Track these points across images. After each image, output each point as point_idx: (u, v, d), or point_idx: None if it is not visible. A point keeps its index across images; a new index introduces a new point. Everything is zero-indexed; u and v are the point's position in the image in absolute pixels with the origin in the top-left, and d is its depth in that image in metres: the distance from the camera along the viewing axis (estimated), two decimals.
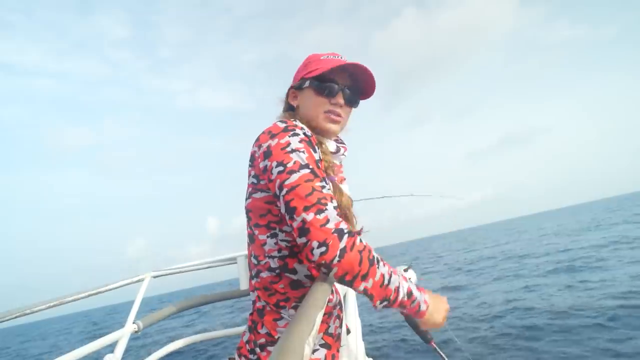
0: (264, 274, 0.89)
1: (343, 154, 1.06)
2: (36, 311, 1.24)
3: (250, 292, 0.95)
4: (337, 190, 0.91)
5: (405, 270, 1.05)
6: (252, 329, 0.90)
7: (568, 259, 11.21)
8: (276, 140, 0.82)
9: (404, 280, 0.78)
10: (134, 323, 1.70)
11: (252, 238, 0.92)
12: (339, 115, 0.99)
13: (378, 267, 0.73)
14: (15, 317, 1.15)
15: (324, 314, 0.92)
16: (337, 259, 0.68)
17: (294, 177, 0.75)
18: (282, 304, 0.88)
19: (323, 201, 0.73)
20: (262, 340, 0.87)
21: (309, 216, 0.70)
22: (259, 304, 0.90)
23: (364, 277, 0.71)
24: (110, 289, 1.72)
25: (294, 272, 0.87)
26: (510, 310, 6.74)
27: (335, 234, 0.69)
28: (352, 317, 1.43)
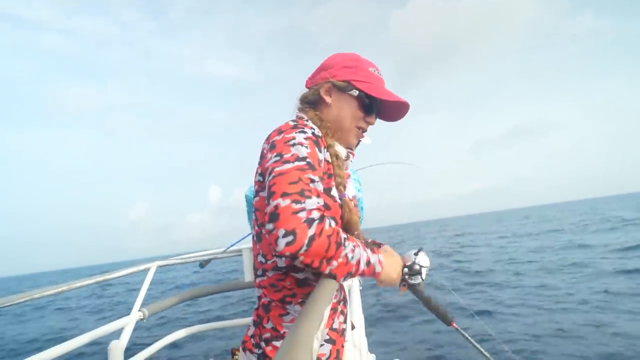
0: (270, 273, 0.88)
1: (350, 160, 1.05)
2: (45, 295, 1.27)
3: (256, 289, 0.95)
4: (346, 208, 0.88)
5: (416, 254, 1.04)
6: (258, 323, 0.90)
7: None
8: (282, 135, 0.82)
9: (363, 250, 0.78)
10: (139, 310, 1.72)
11: (259, 237, 0.91)
12: (365, 131, 1.02)
13: (344, 248, 0.72)
14: (25, 301, 1.17)
15: (330, 309, 0.91)
16: (304, 249, 0.65)
17: (286, 166, 0.73)
18: (288, 299, 0.87)
19: (306, 193, 0.69)
20: (268, 334, 0.87)
21: (284, 202, 0.67)
22: (264, 300, 0.90)
23: (329, 261, 0.70)
24: (117, 277, 1.74)
25: (301, 271, 0.87)
26: None
27: (305, 223, 0.66)
28: (356, 313, 1.43)
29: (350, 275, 0.75)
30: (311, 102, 1.01)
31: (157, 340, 1.90)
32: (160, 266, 2.08)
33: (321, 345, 0.89)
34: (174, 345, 2.03)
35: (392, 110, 1.04)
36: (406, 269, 1.00)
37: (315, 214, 0.68)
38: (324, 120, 0.97)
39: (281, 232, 0.65)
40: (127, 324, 1.61)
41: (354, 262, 0.74)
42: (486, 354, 1.11)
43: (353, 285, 1.72)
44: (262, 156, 0.87)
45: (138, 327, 1.69)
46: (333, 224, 0.72)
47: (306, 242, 0.65)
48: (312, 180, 0.73)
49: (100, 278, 1.62)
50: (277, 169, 0.74)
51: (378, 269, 0.81)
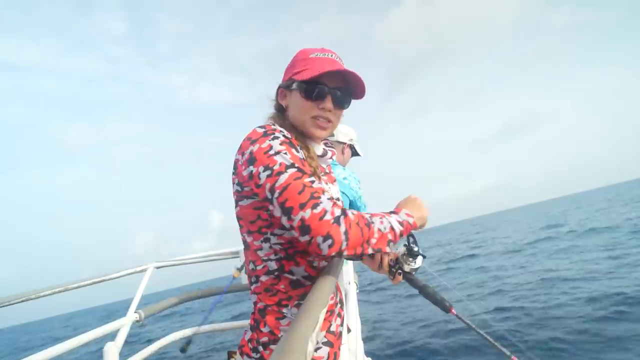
0: (263, 278, 0.89)
1: (330, 158, 1.04)
2: (41, 296, 1.27)
3: (251, 296, 0.95)
4: None
5: (408, 241, 1.06)
6: (255, 327, 0.90)
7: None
8: (257, 145, 0.82)
9: (389, 216, 0.84)
10: (135, 312, 1.72)
11: (246, 245, 0.92)
12: (328, 121, 0.96)
13: (374, 224, 0.78)
14: (22, 301, 1.17)
15: (327, 312, 0.93)
16: (344, 244, 0.72)
17: (283, 178, 0.76)
18: (284, 302, 0.88)
19: (316, 195, 0.74)
20: (265, 338, 0.87)
21: (307, 213, 0.72)
22: (260, 304, 0.91)
23: (368, 242, 0.76)
24: (114, 278, 1.74)
25: (292, 273, 0.89)
26: None
27: (335, 223, 0.72)
28: (352, 317, 1.44)
29: (392, 242, 0.81)
30: (280, 111, 1.02)
31: (153, 342, 1.90)
32: (157, 267, 2.08)
33: (319, 348, 0.90)
34: (170, 347, 2.03)
35: (354, 85, 0.97)
36: (404, 255, 1.01)
37: (337, 211, 0.74)
38: (288, 121, 0.98)
39: (319, 239, 0.71)
40: (123, 325, 1.61)
41: (387, 230, 0.80)
42: (489, 338, 1.09)
43: (350, 289, 1.72)
44: (237, 167, 0.87)
45: (134, 328, 1.69)
46: (355, 211, 0.78)
47: (344, 238, 0.72)
48: (313, 182, 0.77)
49: (97, 279, 1.62)
50: (277, 185, 0.76)
51: (411, 220, 0.87)
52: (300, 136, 0.96)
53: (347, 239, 0.72)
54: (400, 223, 0.84)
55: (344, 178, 1.93)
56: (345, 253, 0.73)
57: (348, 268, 1.88)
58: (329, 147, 1.08)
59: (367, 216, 0.79)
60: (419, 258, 1.03)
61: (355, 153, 2.22)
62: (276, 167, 0.77)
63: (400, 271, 1.03)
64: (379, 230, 0.79)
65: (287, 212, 0.74)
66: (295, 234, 0.74)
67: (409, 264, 1.02)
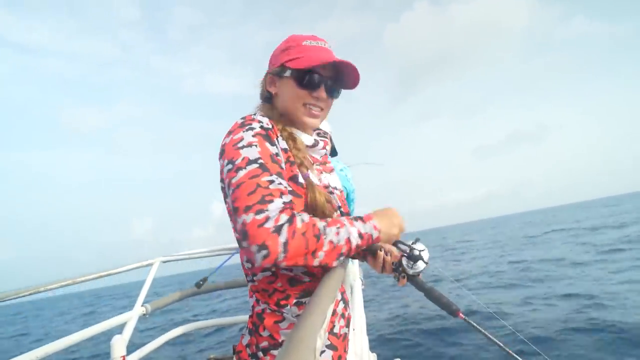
0: (259, 276, 0.86)
1: (323, 148, 1.01)
2: (50, 289, 1.28)
3: (249, 298, 0.92)
4: (310, 188, 0.86)
5: (413, 243, 1.02)
6: (253, 331, 0.86)
7: None
8: (230, 137, 0.78)
9: (351, 226, 0.74)
10: (142, 306, 1.74)
11: (239, 242, 0.89)
12: (320, 109, 0.94)
13: (325, 236, 0.69)
14: (31, 294, 1.19)
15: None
16: (281, 255, 0.64)
17: (240, 175, 0.70)
18: (282, 302, 0.84)
19: (267, 198, 0.67)
20: (265, 343, 0.84)
21: (248, 217, 0.64)
22: (258, 308, 0.87)
23: (314, 254, 0.67)
24: (121, 272, 1.75)
25: (289, 269, 0.84)
26: None
27: (275, 233, 0.63)
28: (357, 312, 1.43)
29: (344, 255, 0.73)
30: (267, 100, 1.00)
31: (159, 336, 1.92)
32: (164, 262, 2.09)
33: (322, 351, 0.86)
34: (176, 341, 2.05)
35: (347, 75, 0.95)
36: (405, 259, 0.98)
37: (283, 218, 0.66)
38: (276, 110, 0.95)
39: (254, 248, 0.63)
40: (130, 318, 1.63)
41: (342, 242, 0.72)
42: (499, 343, 1.06)
43: (355, 285, 1.72)
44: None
45: (140, 321, 1.71)
46: (306, 218, 0.69)
47: (281, 249, 0.63)
48: (271, 182, 0.70)
49: (104, 273, 1.64)
50: (233, 181, 0.71)
51: (375, 234, 0.79)
52: (289, 125, 0.93)
53: (285, 250, 0.63)
54: (361, 235, 0.75)
55: (340, 169, 1.88)
56: (283, 264, 0.65)
57: (354, 264, 1.88)
58: (322, 137, 1.05)
59: (321, 225, 0.70)
60: (420, 262, 1.00)
61: (333, 148, 2.10)
62: (238, 162, 0.73)
63: (404, 274, 1.00)
64: (331, 242, 0.70)
65: (235, 212, 0.67)
66: (237, 237, 0.68)
67: (410, 268, 0.99)
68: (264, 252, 0.63)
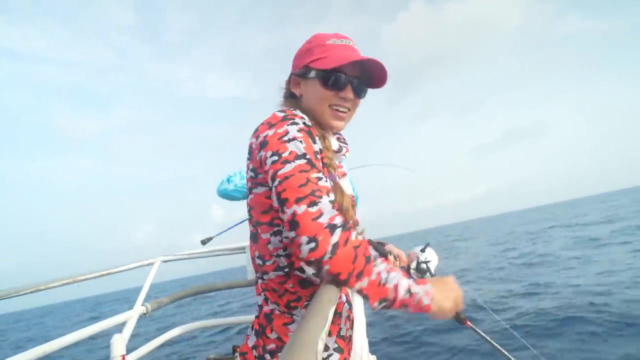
0: (271, 275, 0.83)
1: (344, 155, 0.99)
2: (50, 287, 1.28)
3: (257, 296, 0.89)
4: (338, 190, 0.84)
5: (422, 251, 1.00)
6: (260, 333, 0.84)
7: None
8: (274, 130, 0.76)
9: (404, 277, 0.69)
10: (142, 305, 1.73)
11: (255, 237, 0.85)
12: (347, 109, 0.92)
13: (375, 265, 0.67)
14: (31, 292, 1.19)
15: (336, 314, 0.87)
16: (328, 255, 0.62)
17: (288, 167, 0.69)
18: (293, 304, 0.82)
19: (317, 193, 0.67)
20: (272, 345, 0.81)
21: (300, 208, 0.64)
22: (266, 308, 0.85)
23: (359, 276, 0.64)
24: (121, 271, 1.75)
25: (302, 270, 0.80)
26: None
27: (327, 229, 0.63)
28: (357, 314, 1.43)
29: (387, 302, 0.67)
30: (290, 99, 0.98)
31: (158, 335, 1.91)
32: (165, 261, 2.09)
33: (330, 355, 0.85)
34: (175, 341, 2.05)
35: (374, 73, 0.92)
36: (413, 269, 0.97)
37: (338, 221, 0.65)
38: (301, 110, 0.91)
39: (304, 239, 0.63)
40: (130, 318, 1.62)
41: (390, 285, 0.67)
42: (506, 352, 1.04)
43: None
44: (251, 152, 0.82)
45: (140, 321, 1.70)
46: (360, 237, 0.68)
47: (330, 249, 0.62)
48: (319, 179, 0.70)
49: (105, 272, 1.64)
50: (280, 173, 0.70)
51: (425, 301, 0.69)
52: (317, 126, 0.90)
53: (333, 252, 0.62)
54: (410, 292, 0.68)
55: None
56: (326, 267, 0.63)
57: None
58: (343, 142, 1.03)
59: (374, 254, 0.68)
60: (427, 274, 0.99)
61: None
62: (285, 154, 0.71)
63: None
64: (379, 274, 0.66)
65: (282, 203, 0.67)
66: (284, 229, 0.67)
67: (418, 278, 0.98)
68: (313, 244, 0.62)
